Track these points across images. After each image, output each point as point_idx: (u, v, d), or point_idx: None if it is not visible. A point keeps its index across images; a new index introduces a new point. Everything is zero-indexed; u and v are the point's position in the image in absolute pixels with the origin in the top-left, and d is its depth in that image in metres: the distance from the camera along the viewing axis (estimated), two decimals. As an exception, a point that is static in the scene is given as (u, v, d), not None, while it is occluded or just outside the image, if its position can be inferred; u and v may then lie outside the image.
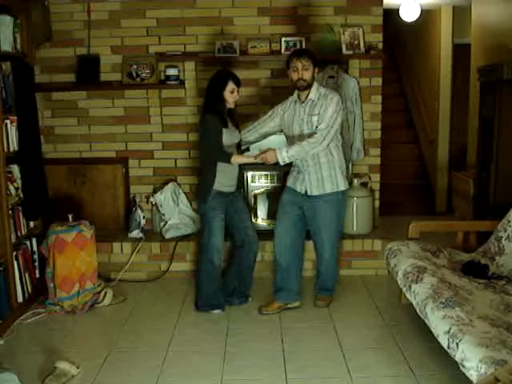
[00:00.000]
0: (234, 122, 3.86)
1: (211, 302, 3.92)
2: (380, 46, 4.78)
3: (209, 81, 3.82)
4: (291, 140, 3.82)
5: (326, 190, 3.76)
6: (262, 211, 4.77)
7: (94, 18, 4.76)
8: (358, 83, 4.69)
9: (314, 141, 3.64)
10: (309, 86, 3.71)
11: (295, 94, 3.84)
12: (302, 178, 3.82)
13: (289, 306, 3.94)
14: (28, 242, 4.11)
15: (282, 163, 3.69)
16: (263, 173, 4.71)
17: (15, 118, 3.87)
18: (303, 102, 3.76)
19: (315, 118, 3.70)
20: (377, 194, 4.98)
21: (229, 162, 3.72)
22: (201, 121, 3.82)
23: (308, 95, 3.74)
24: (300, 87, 3.72)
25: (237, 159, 3.76)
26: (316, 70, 3.74)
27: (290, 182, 3.92)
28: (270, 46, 4.71)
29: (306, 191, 3.80)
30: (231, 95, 3.73)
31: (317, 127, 3.68)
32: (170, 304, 4.09)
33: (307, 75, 3.67)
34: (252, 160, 3.77)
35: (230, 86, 3.71)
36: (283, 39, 4.67)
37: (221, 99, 3.72)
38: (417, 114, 8.00)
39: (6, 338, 3.55)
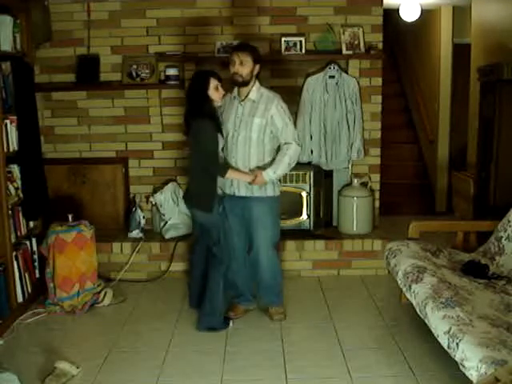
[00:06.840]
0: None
1: None
2: (380, 46, 4.78)
3: (189, 85, 3.66)
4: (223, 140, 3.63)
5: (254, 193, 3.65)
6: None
7: (94, 18, 4.76)
8: (358, 83, 4.70)
9: (294, 149, 3.57)
10: (245, 83, 3.53)
11: (235, 90, 3.64)
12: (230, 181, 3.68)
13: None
14: (28, 242, 4.11)
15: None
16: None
17: (15, 117, 3.86)
18: (242, 101, 3.59)
19: (257, 121, 3.53)
20: (377, 194, 4.98)
21: (223, 176, 3.56)
22: (197, 127, 3.50)
23: (248, 94, 3.57)
24: (235, 81, 3.54)
25: (232, 174, 3.57)
26: (257, 68, 3.55)
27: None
28: (270, 46, 4.70)
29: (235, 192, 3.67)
30: (216, 92, 3.53)
31: (249, 130, 3.54)
32: (170, 304, 4.08)
33: (244, 70, 3.49)
34: (244, 179, 3.59)
35: (213, 82, 3.50)
36: (283, 39, 4.66)
37: (207, 99, 3.50)
38: (417, 114, 8.00)
39: (6, 338, 3.54)
